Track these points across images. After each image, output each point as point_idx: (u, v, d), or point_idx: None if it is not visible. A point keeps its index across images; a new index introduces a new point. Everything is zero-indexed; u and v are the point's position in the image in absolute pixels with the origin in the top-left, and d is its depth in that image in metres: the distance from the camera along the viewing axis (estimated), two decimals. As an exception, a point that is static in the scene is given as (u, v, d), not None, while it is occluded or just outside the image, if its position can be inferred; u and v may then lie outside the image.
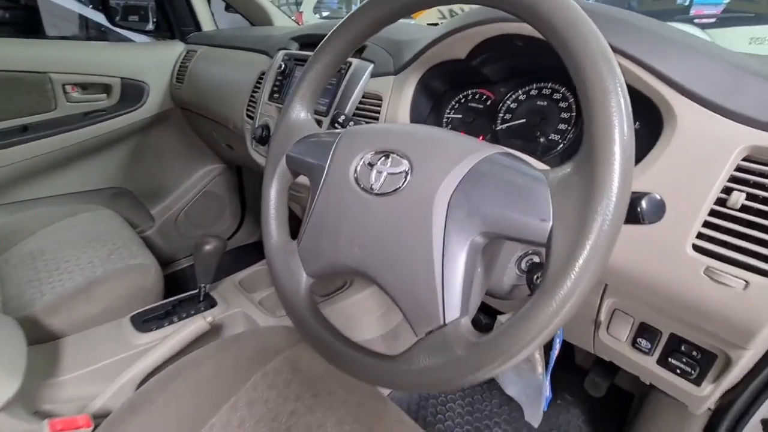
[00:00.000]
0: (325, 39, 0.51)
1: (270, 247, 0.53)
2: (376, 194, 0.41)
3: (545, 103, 0.64)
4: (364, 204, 0.42)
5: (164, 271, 1.57)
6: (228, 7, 1.80)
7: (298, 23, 1.59)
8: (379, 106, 0.73)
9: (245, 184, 1.76)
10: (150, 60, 1.34)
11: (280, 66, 0.90)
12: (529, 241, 0.32)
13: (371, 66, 0.75)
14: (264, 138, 0.90)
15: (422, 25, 0.89)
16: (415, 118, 0.71)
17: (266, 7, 1.49)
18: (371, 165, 0.42)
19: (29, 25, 2.12)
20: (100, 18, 2.08)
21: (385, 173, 0.41)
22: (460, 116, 0.72)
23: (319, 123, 0.77)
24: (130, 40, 1.60)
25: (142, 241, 1.06)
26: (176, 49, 1.38)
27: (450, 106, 0.73)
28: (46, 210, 1.16)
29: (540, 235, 0.31)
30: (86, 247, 1.00)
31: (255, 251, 1.77)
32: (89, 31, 2.27)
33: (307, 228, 0.47)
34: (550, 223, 0.31)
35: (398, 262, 0.38)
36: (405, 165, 0.40)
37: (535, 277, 0.51)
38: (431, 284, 0.36)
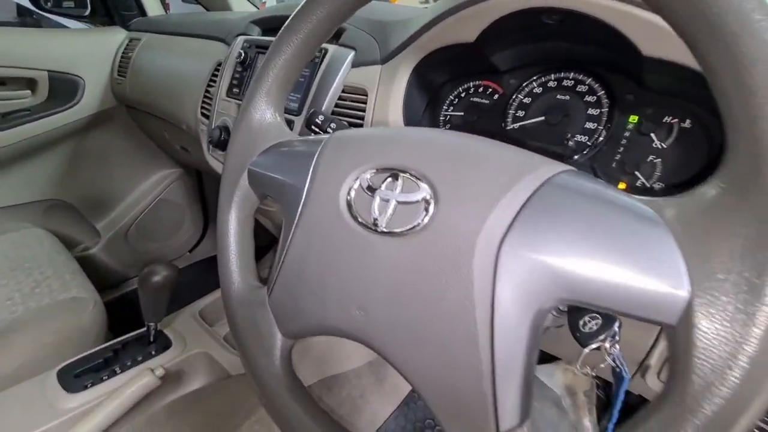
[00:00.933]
0: (294, 14, 0.37)
1: (231, 297, 0.39)
2: (383, 233, 0.28)
3: (567, 97, 0.53)
4: (363, 246, 0.29)
5: (115, 293, 1.39)
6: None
7: (257, 7, 1.42)
8: (364, 102, 0.59)
9: (206, 189, 1.58)
10: (84, 50, 1.14)
11: (240, 54, 0.75)
12: (649, 319, 0.20)
13: (352, 53, 0.61)
14: (222, 142, 0.75)
15: (411, 6, 0.77)
16: (410, 117, 0.58)
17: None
18: (372, 189, 0.30)
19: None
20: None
21: (393, 202, 0.28)
22: (461, 114, 0.60)
23: (289, 124, 0.63)
24: (63, 27, 1.38)
25: (80, 267, 0.88)
26: (116, 37, 1.18)
27: (448, 102, 0.61)
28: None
29: (669, 311, 0.19)
30: (6, 279, 0.81)
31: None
32: (16, 18, 1.98)
33: (281, 273, 0.34)
34: (687, 292, 0.19)
35: (421, 337, 0.26)
36: (424, 191, 0.27)
37: (581, 322, 0.40)
38: (475, 375, 0.24)
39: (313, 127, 0.53)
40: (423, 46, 0.53)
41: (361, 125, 0.59)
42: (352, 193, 0.30)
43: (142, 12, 1.22)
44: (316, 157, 0.34)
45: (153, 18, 1.20)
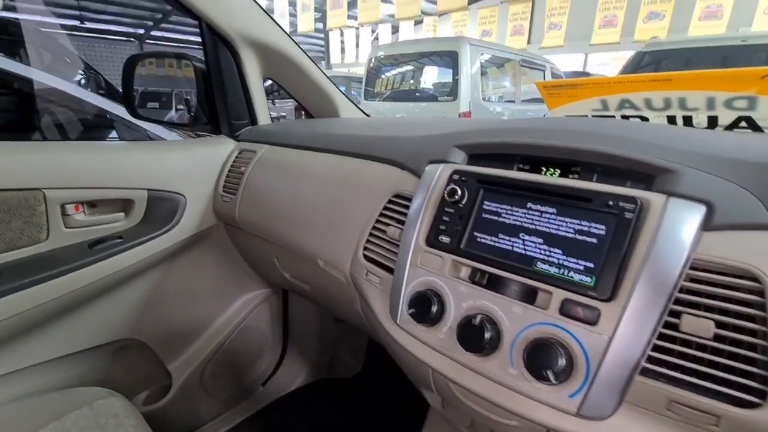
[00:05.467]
0: None
1: None
2: None
3: None
4: None
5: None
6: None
7: (366, 114, 1.30)
8: (760, 293, 0.35)
9: (291, 309, 1.33)
10: (188, 164, 0.98)
11: (453, 191, 0.54)
12: None
13: (702, 211, 0.39)
14: (434, 316, 0.51)
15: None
16: None
17: (333, 96, 1.19)
18: None
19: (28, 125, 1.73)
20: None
21: None
22: None
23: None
24: (161, 139, 1.26)
25: None
26: (224, 148, 1.03)
27: None
28: (11, 409, 0.71)
29: None
30: None
31: (303, 405, 1.29)
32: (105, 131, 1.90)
33: None
34: None
35: None
36: None
37: None
38: None
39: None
40: None
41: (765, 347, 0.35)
42: None
43: (253, 120, 1.08)
44: None
45: (268, 128, 1.05)
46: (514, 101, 5.17)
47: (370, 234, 0.66)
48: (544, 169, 0.52)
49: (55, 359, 0.88)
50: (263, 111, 1.09)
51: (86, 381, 0.93)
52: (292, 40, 1.08)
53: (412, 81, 5.31)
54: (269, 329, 1.28)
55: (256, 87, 1.06)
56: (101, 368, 0.97)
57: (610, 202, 0.43)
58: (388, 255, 0.62)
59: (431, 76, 5.16)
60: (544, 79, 5.66)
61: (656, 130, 0.51)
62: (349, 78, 6.93)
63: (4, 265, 0.77)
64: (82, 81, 4.18)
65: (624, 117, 0.83)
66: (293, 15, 10.41)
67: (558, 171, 0.51)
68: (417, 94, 5.14)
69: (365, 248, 0.66)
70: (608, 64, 13.73)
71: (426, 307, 0.51)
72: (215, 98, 1.03)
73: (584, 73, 8.33)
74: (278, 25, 1.04)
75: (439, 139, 0.64)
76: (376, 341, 0.73)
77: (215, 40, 0.96)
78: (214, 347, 1.13)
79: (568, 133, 0.52)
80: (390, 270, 0.60)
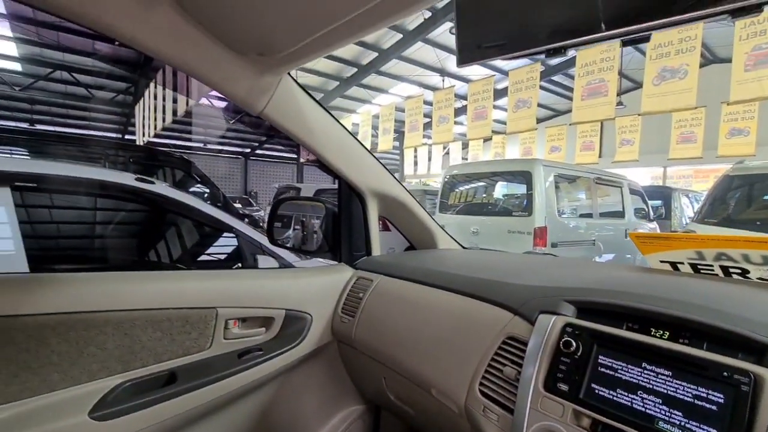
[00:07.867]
0: None
1: None
2: None
3: None
4: None
5: None
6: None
7: (462, 246, 1.46)
8: None
9: (382, 428, 1.36)
10: (316, 287, 1.18)
11: (569, 344, 0.63)
12: None
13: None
14: (560, 463, 0.56)
15: None
16: None
17: (432, 229, 1.38)
18: None
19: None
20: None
21: None
22: None
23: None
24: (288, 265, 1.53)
25: None
26: (344, 275, 1.23)
27: None
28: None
29: None
30: None
31: None
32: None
33: None
34: None
35: None
36: None
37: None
38: None
39: None
40: None
41: None
42: None
43: (369, 251, 1.29)
44: None
45: (382, 259, 1.25)
46: (591, 215, 5.15)
47: (486, 371, 0.74)
48: (653, 329, 0.60)
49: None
50: (376, 244, 1.30)
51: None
52: (404, 187, 1.33)
53: (484, 195, 5.59)
54: (361, 448, 1.31)
55: (374, 225, 1.29)
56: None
57: (725, 373, 0.50)
58: (505, 394, 0.69)
59: (505, 192, 5.41)
60: (622, 194, 5.63)
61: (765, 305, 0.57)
62: (424, 191, 7.47)
63: (179, 368, 0.96)
64: (206, 195, 5.03)
65: (723, 268, 0.88)
66: (375, 136, 11.91)
67: (667, 333, 0.59)
68: (489, 207, 5.35)
69: (481, 383, 0.74)
70: (691, 177, 13.09)
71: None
72: (341, 233, 1.27)
73: (665, 188, 8.10)
74: (395, 178, 1.30)
75: (550, 291, 0.75)
76: None
77: (350, 193, 1.23)
78: (314, 466, 1.19)
79: (681, 303, 0.60)
80: (507, 409, 0.68)
